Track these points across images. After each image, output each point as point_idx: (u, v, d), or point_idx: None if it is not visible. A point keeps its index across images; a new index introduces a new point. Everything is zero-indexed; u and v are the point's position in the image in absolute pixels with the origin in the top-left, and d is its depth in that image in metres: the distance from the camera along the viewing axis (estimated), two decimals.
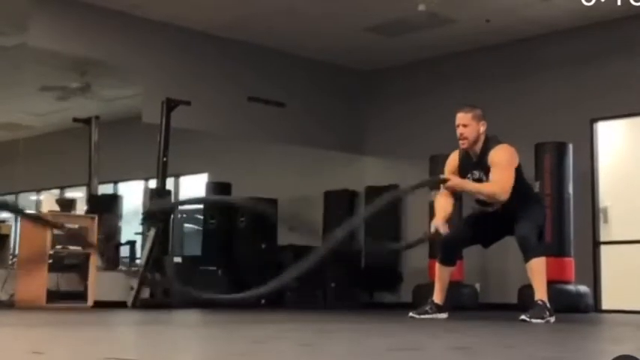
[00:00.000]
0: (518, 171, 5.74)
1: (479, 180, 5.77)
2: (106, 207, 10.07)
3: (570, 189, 8.44)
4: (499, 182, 5.63)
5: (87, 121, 9.74)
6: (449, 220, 5.84)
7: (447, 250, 5.99)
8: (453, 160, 5.96)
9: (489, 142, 5.75)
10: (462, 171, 5.87)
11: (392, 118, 10.88)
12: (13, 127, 14.35)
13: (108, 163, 10.63)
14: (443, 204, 5.83)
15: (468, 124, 5.72)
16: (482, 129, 5.75)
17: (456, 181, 5.74)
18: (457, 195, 6.17)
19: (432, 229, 5.81)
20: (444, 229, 5.73)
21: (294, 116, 10.34)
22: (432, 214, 9.00)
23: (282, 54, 10.27)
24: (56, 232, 7.32)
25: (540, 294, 5.60)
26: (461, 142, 5.77)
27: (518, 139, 8.16)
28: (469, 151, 5.81)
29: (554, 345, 3.79)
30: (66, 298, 7.38)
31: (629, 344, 4.03)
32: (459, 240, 5.94)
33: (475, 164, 5.79)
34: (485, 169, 5.71)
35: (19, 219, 9.28)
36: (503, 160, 5.67)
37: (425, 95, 10.58)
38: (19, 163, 13.67)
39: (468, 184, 5.73)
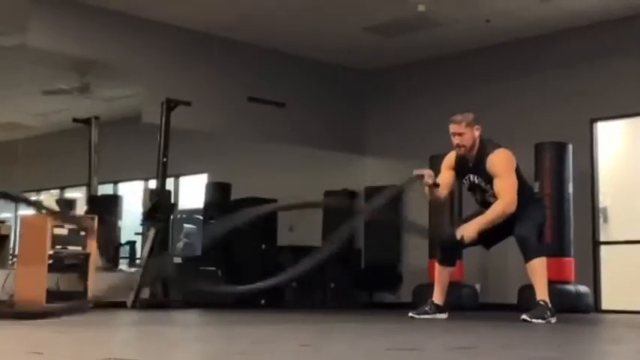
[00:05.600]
0: (517, 172, 5.79)
1: (476, 185, 5.83)
2: (105, 207, 10.05)
3: (570, 189, 8.43)
4: (505, 197, 5.65)
5: (87, 122, 9.75)
6: (443, 188, 5.87)
7: (446, 250, 5.99)
8: (449, 159, 6.00)
9: (485, 146, 5.79)
10: (459, 174, 5.94)
11: (392, 118, 10.87)
12: (13, 127, 14.33)
13: (108, 163, 10.64)
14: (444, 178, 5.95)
15: (463, 133, 5.77)
16: (477, 133, 5.80)
17: (469, 229, 5.67)
18: (452, 189, 6.19)
19: (423, 175, 5.76)
20: (429, 177, 5.73)
21: (294, 116, 10.32)
22: (431, 213, 9.09)
23: (282, 54, 10.25)
24: (56, 231, 7.31)
25: (541, 294, 5.63)
26: (458, 149, 5.84)
27: (518, 139, 8.19)
28: (466, 155, 5.85)
29: (555, 345, 3.78)
30: (66, 299, 7.35)
31: (629, 344, 4.03)
32: (460, 241, 5.91)
33: (472, 168, 5.85)
34: (484, 175, 5.76)
35: (18, 219, 9.27)
36: (503, 168, 5.71)
37: (425, 95, 10.57)
38: (19, 163, 13.66)
39: (482, 223, 5.67)
